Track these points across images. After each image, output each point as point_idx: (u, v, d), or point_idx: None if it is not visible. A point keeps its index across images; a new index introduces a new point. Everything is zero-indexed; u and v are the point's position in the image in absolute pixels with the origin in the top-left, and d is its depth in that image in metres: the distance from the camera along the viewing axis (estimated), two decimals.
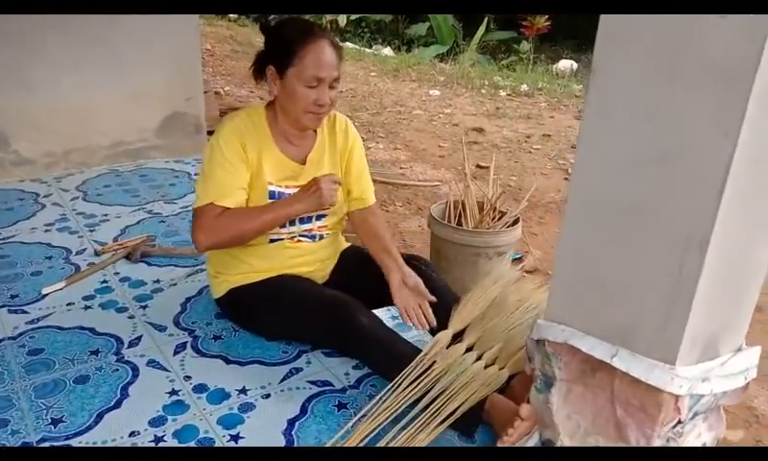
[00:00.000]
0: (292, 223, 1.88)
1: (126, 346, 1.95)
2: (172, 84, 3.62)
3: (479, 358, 1.70)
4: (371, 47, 11.00)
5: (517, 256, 3.16)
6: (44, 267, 2.40)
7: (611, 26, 1.16)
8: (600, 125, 1.23)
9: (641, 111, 1.14)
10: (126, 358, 1.89)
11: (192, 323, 2.08)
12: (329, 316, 1.78)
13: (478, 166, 4.72)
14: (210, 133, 4.88)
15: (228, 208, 1.76)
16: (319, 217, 1.95)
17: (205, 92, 4.80)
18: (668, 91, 1.09)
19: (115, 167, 3.51)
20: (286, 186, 1.87)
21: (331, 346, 1.90)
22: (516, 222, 2.62)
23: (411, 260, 1.93)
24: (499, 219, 2.67)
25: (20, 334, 1.98)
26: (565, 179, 4.52)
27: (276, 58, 1.76)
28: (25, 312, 2.10)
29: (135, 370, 1.84)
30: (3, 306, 2.12)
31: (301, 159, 1.92)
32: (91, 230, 2.73)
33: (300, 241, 1.93)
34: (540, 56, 9.70)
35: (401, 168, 4.66)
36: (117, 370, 1.83)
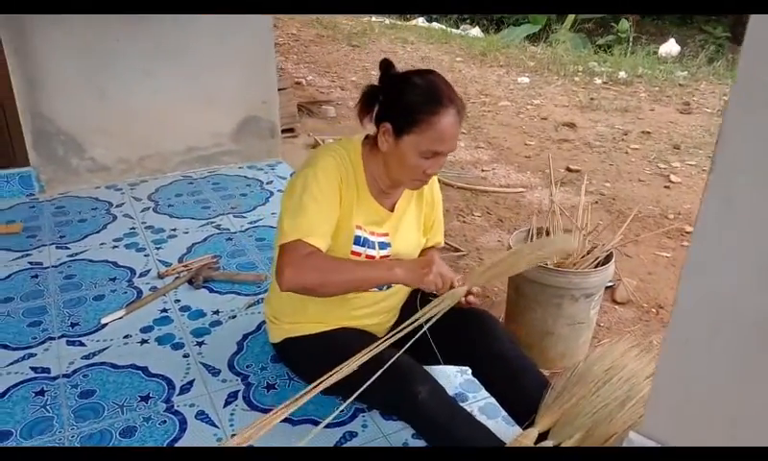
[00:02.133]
0: None
1: (177, 392, 1.85)
2: (246, 88, 3.52)
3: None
4: (458, 27, 10.61)
5: (609, 285, 2.85)
6: (107, 290, 2.36)
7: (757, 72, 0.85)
8: (723, 219, 0.96)
9: None
10: (175, 407, 1.79)
11: (247, 366, 1.96)
12: (386, 386, 1.59)
13: (568, 169, 4.37)
14: (286, 131, 4.80)
15: (318, 250, 1.56)
16: None
17: (283, 89, 4.72)
18: None
19: (189, 173, 3.47)
20: (371, 233, 1.70)
21: (389, 413, 1.72)
22: (608, 258, 2.32)
23: (476, 322, 1.71)
24: (589, 252, 2.38)
25: (75, 371, 1.93)
26: (666, 187, 4.10)
27: (395, 118, 1.56)
28: (83, 344, 2.06)
29: (183, 423, 1.74)
30: (63, 336, 2.09)
31: (390, 206, 1.74)
32: (158, 248, 2.67)
33: (365, 290, 1.75)
34: (641, 36, 9.00)
35: (483, 170, 4.39)
36: (165, 422, 1.74)
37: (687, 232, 3.47)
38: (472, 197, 3.91)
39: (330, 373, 1.60)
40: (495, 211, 3.73)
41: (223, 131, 3.54)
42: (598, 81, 6.77)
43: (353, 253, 1.67)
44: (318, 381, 1.59)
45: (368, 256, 1.69)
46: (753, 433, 0.98)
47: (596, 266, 2.33)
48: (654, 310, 2.77)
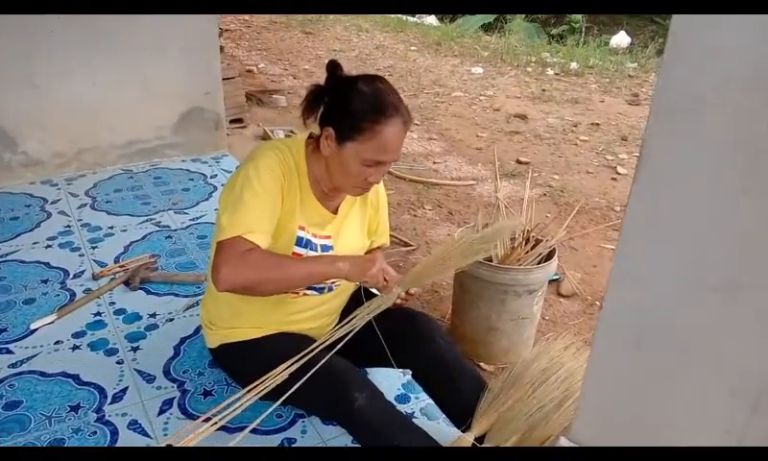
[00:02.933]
0: None
1: (109, 401, 1.78)
2: (189, 78, 3.41)
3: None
4: (413, 15, 10.56)
5: (554, 278, 2.87)
6: (38, 293, 2.25)
7: (678, 79, 0.81)
8: (648, 230, 0.95)
9: (709, 221, 0.86)
10: (106, 417, 1.72)
11: (183, 372, 1.90)
12: (322, 393, 1.56)
13: (518, 161, 4.40)
14: (234, 121, 4.70)
15: (258, 247, 1.49)
16: None
17: (231, 78, 4.61)
18: (745, 203, 0.81)
19: (129, 167, 3.35)
20: (314, 235, 1.65)
21: (328, 419, 1.69)
22: (551, 254, 2.33)
23: (411, 324, 1.70)
24: (533, 247, 2.38)
25: (0, 381, 1.83)
26: (613, 179, 4.17)
27: (339, 124, 1.51)
28: (10, 352, 1.96)
29: (115, 434, 1.67)
30: None
31: (333, 208, 1.70)
32: (94, 247, 2.57)
33: (304, 294, 1.70)
34: (593, 26, 9.13)
35: (435, 163, 4.38)
36: (95, 433, 1.67)
37: None
38: (424, 190, 3.89)
39: (262, 378, 1.56)
40: (446, 204, 3.73)
41: (164, 123, 3.42)
42: (550, 72, 6.83)
43: (295, 254, 1.63)
44: (250, 387, 1.55)
45: (309, 257, 1.65)
46: (675, 435, 0.99)
47: (540, 262, 2.34)
48: (598, 303, 2.81)
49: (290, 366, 1.56)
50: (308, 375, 1.55)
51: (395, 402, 1.82)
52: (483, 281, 2.23)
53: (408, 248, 3.16)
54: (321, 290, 1.72)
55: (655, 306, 0.98)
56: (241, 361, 1.72)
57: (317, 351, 1.58)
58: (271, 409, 1.48)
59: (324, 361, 1.60)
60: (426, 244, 3.24)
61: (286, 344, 1.67)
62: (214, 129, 3.60)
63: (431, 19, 9.95)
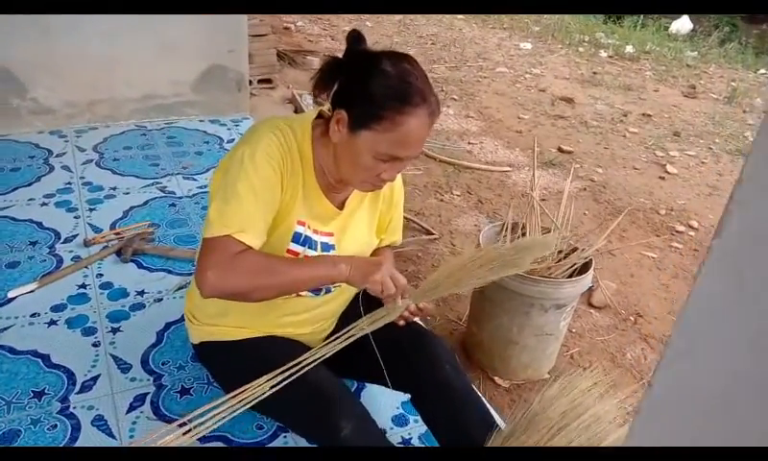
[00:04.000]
0: None
1: (77, 389, 1.61)
2: (212, 34, 3.19)
3: None
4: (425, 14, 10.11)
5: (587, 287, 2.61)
6: (25, 256, 2.10)
7: None
8: (732, 286, 0.70)
9: None
10: (71, 409, 1.55)
11: (162, 364, 1.72)
12: (305, 412, 1.36)
13: (560, 150, 4.09)
14: (263, 81, 4.47)
15: (250, 248, 1.29)
16: None
17: (263, 35, 4.37)
18: None
19: (144, 123, 3.17)
20: (314, 231, 1.42)
21: (308, 441, 1.49)
22: (586, 266, 2.07)
23: (418, 345, 1.47)
24: (567, 256, 2.13)
25: None
26: (661, 177, 3.83)
27: (354, 107, 1.27)
28: None
29: (76, 430, 1.50)
30: None
31: (339, 203, 1.47)
32: (91, 209, 2.40)
33: (298, 295, 1.49)
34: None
35: (469, 143, 4.10)
36: (55, 426, 1.50)
37: (678, 232, 3.23)
38: (454, 173, 3.63)
39: (243, 387, 1.37)
40: (477, 191, 3.46)
41: (184, 79, 3.22)
42: (603, 54, 6.42)
43: (290, 251, 1.41)
44: (229, 396, 1.37)
45: (306, 258, 1.43)
46: None
47: (573, 274, 2.09)
48: (632, 318, 2.54)
49: (274, 377, 1.37)
50: (287, 384, 1.37)
51: (390, 425, 1.63)
52: (507, 291, 1.98)
53: (430, 236, 2.92)
54: (317, 292, 1.50)
55: (715, 389, 0.74)
56: (223, 363, 1.53)
57: (305, 363, 1.38)
58: (232, 411, 1.27)
59: (308, 370, 1.41)
60: (450, 234, 2.99)
61: (274, 350, 1.47)
62: (236, 89, 3.38)
63: None
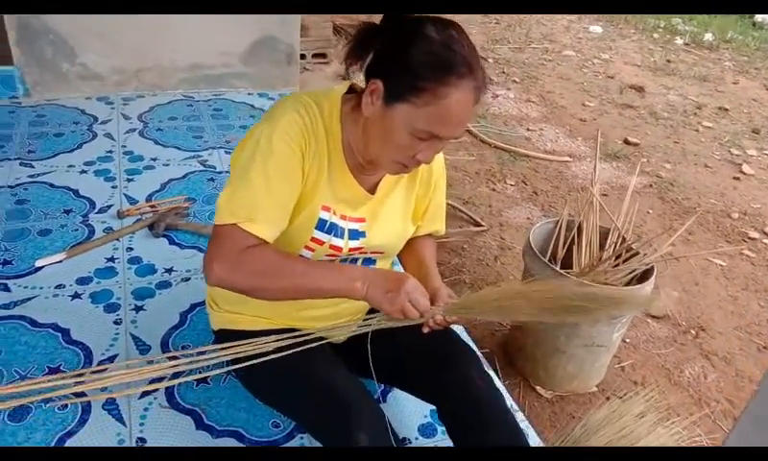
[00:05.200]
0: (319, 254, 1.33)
1: (93, 366, 1.55)
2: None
3: None
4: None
5: None
6: (57, 224, 2.06)
7: None
8: None
9: None
10: (83, 389, 1.49)
11: (182, 347, 1.64)
12: (319, 414, 1.25)
13: (626, 142, 3.84)
14: (317, 55, 4.35)
15: (262, 243, 1.19)
16: (366, 262, 1.40)
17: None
18: None
19: (191, 93, 3.11)
20: (342, 217, 1.30)
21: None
22: (648, 272, 1.88)
23: (445, 345, 1.34)
24: (626, 260, 1.94)
25: None
26: (735, 178, 3.53)
27: (391, 76, 1.13)
28: (7, 289, 1.77)
29: (86, 413, 1.44)
30: None
31: (371, 186, 1.34)
32: (129, 179, 2.34)
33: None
34: None
35: (528, 130, 3.88)
36: (66, 407, 1.44)
37: (751, 239, 2.95)
38: (509, 160, 3.44)
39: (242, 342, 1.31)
40: (532, 181, 3.27)
41: (233, 50, 3.14)
42: (679, 41, 6.02)
43: (314, 239, 1.29)
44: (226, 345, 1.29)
45: (332, 247, 1.31)
46: None
47: (631, 281, 1.90)
48: (693, 332, 2.33)
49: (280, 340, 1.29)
50: (301, 382, 1.27)
51: (416, 434, 1.50)
52: None
53: (478, 228, 2.76)
54: None
55: None
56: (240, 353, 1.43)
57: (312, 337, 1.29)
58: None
59: (325, 369, 1.30)
60: (500, 226, 2.82)
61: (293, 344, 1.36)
62: (286, 63, 3.28)
63: None
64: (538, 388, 1.97)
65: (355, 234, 1.34)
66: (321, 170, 1.26)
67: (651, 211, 3.07)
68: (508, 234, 2.75)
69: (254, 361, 1.32)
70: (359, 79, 1.27)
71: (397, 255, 1.56)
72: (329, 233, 1.30)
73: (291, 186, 1.23)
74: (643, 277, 1.88)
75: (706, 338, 2.30)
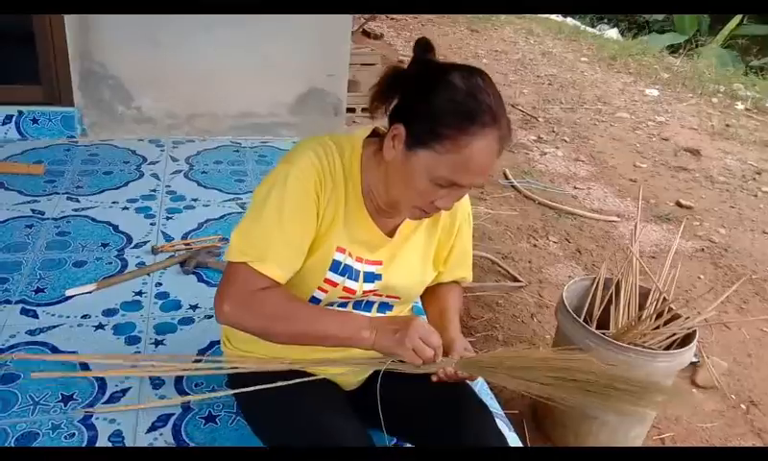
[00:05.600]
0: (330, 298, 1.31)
1: (105, 398, 1.54)
2: (313, 57, 3.18)
3: None
4: (594, 26, 9.76)
5: (691, 361, 2.25)
6: (92, 257, 2.11)
7: None
8: None
9: None
10: (92, 420, 1.48)
11: (195, 385, 1.62)
12: None
13: (678, 204, 3.69)
14: (366, 110, 4.42)
15: (273, 285, 1.19)
16: (382, 307, 1.37)
17: (373, 64, 4.35)
18: None
19: (239, 140, 3.20)
20: (358, 259, 1.29)
21: None
22: (689, 337, 1.76)
23: (458, 400, 1.28)
24: (667, 323, 1.83)
25: (10, 348, 1.67)
26: None
27: (414, 122, 1.14)
28: (35, 316, 1.80)
29: (92, 443, 1.42)
30: (20, 302, 1.85)
31: (390, 229, 1.32)
32: (168, 218, 2.40)
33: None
34: None
35: (575, 188, 3.80)
36: (73, 435, 1.43)
37: None
38: (553, 217, 3.36)
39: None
40: (576, 239, 3.17)
41: (282, 100, 3.22)
42: (740, 106, 5.85)
43: (328, 281, 1.27)
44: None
45: (346, 289, 1.28)
46: None
47: (671, 346, 1.78)
48: (743, 406, 2.16)
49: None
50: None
51: None
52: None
53: (515, 284, 2.68)
54: None
55: None
56: (249, 395, 1.40)
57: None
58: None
59: (332, 415, 1.25)
60: (539, 283, 2.73)
61: (297, 392, 1.32)
62: (333, 114, 3.34)
63: (612, 32, 9.10)
64: None
65: (371, 277, 1.31)
66: (337, 212, 1.25)
67: (702, 277, 2.92)
68: (547, 292, 2.66)
69: (258, 388, 1.30)
70: (382, 124, 1.27)
71: (421, 304, 1.52)
72: (343, 275, 1.28)
73: (304, 227, 1.22)
74: (684, 341, 1.76)
75: (757, 414, 2.12)
